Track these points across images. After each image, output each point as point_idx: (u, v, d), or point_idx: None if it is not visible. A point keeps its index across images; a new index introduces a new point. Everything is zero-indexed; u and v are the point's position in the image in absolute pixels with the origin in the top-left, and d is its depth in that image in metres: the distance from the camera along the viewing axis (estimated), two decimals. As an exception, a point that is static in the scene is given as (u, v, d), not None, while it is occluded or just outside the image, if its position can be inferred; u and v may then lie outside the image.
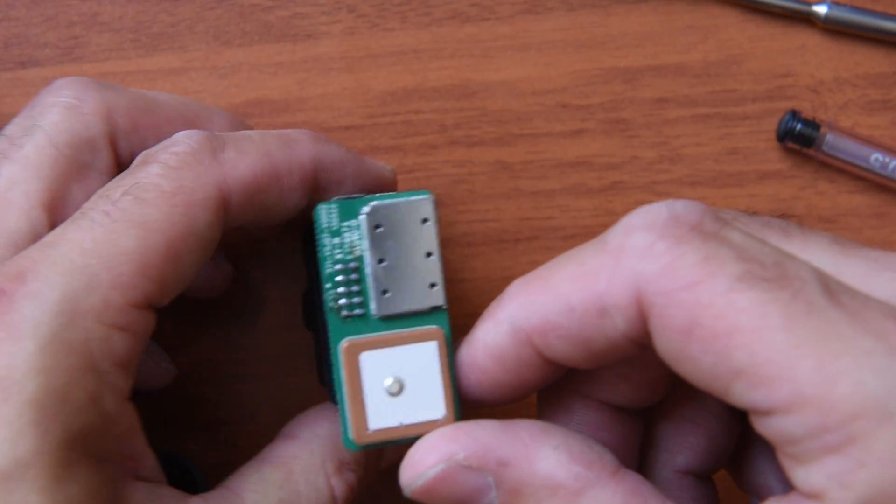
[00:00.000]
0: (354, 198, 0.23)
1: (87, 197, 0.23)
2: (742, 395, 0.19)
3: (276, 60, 0.31)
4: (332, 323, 0.23)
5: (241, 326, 0.31)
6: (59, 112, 0.24)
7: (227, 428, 0.31)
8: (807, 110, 0.31)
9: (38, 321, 0.21)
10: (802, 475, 0.19)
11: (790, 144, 0.31)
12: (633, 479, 0.21)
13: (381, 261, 0.23)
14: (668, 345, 0.19)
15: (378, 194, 0.23)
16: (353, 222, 0.23)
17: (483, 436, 0.21)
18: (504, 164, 0.31)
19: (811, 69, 0.31)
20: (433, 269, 0.23)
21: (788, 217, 0.23)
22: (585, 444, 0.21)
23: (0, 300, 0.21)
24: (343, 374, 0.22)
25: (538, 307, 0.21)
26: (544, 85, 0.31)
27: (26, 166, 0.23)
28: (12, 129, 0.24)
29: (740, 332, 0.18)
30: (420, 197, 0.23)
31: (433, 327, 0.23)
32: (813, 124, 0.31)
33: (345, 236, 0.23)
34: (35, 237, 0.23)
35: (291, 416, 0.26)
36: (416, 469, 0.21)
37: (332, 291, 0.23)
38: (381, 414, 0.22)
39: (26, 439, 0.20)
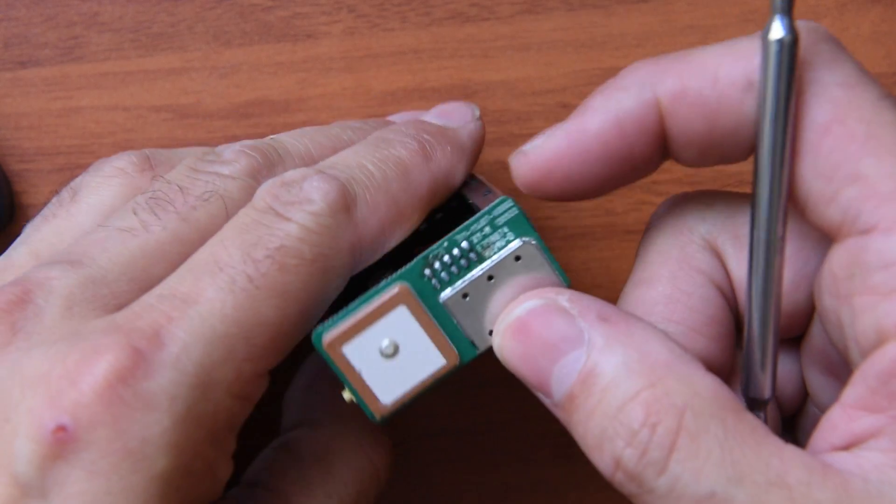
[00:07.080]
0: (531, 226, 0.23)
1: None
2: (849, 203, 0.19)
3: (276, 60, 0.31)
4: (413, 266, 0.23)
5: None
6: (239, 189, 0.24)
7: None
8: (807, 110, 0.31)
9: (174, 394, 0.20)
10: (886, 309, 0.18)
11: (790, 144, 0.31)
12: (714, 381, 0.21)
13: (465, 295, 0.23)
14: (801, 135, 0.19)
15: (550, 253, 0.23)
16: (510, 236, 0.23)
17: (588, 298, 0.21)
18: (504, 164, 0.31)
19: (811, 69, 0.31)
20: (489, 321, 0.23)
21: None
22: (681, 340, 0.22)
23: (137, 363, 0.20)
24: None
25: (677, 74, 0.21)
26: (544, 85, 0.31)
27: (195, 230, 0.23)
28: (188, 181, 0.24)
29: (877, 140, 0.19)
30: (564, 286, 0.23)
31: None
32: (813, 124, 0.30)
33: (494, 236, 0.23)
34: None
35: (276, 410, 0.26)
36: (514, 308, 0.22)
37: (437, 250, 0.23)
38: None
39: None
